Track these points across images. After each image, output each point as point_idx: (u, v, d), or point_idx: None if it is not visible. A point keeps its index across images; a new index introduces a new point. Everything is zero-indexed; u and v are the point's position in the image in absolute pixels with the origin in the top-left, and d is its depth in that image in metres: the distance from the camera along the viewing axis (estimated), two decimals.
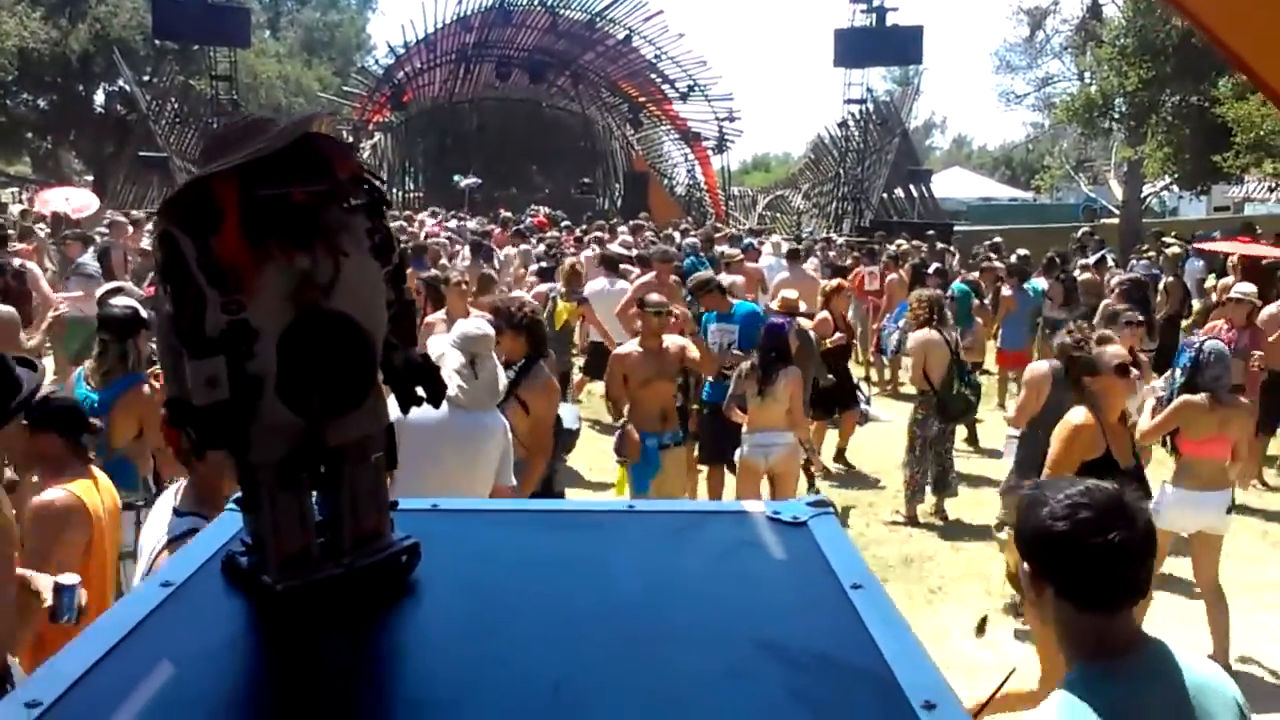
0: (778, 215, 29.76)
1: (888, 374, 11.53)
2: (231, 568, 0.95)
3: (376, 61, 34.70)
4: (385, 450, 0.96)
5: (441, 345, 4.09)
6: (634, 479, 5.90)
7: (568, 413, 5.48)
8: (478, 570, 1.01)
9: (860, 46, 23.83)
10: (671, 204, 28.44)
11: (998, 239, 16.66)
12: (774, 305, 7.68)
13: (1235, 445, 5.06)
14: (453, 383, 3.81)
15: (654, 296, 6.18)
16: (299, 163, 0.87)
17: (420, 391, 0.98)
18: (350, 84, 32.16)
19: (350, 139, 26.73)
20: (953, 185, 35.60)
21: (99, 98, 32.89)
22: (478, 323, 4.17)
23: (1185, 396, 5.10)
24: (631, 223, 17.09)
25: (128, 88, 27.82)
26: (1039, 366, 5.79)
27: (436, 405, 0.99)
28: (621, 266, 10.14)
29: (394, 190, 28.58)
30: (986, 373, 10.53)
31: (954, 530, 7.07)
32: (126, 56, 27.66)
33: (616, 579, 0.99)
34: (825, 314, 8.18)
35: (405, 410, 0.99)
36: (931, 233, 17.95)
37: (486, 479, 4.01)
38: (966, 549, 6.63)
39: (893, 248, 14.17)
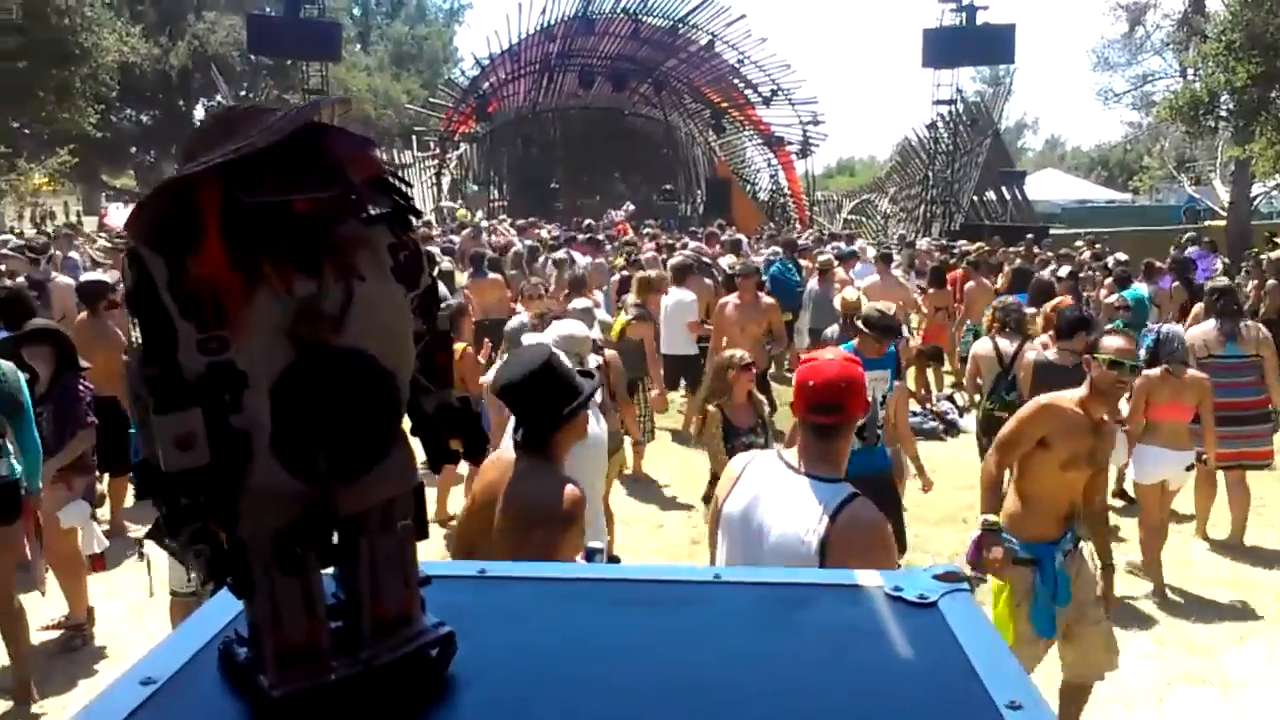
0: (863, 220, 29.18)
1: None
2: (229, 661, 0.77)
3: (463, 73, 35.13)
4: (415, 515, 0.78)
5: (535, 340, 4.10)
6: (1034, 609, 3.77)
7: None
8: (530, 663, 0.82)
9: (950, 46, 23.23)
10: (754, 210, 28.09)
11: (1079, 243, 15.90)
12: (836, 307, 7.43)
13: (1202, 413, 6.00)
14: None
15: (1112, 341, 3.89)
16: (304, 163, 0.68)
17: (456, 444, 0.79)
18: (437, 96, 32.57)
19: (437, 150, 27.09)
20: (1047, 187, 34.54)
21: (198, 112, 34.06)
22: (577, 324, 4.11)
23: (1145, 372, 5.92)
24: (717, 233, 16.79)
25: (225, 102, 28.72)
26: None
27: (477, 461, 0.81)
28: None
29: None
30: None
31: None
32: (224, 72, 28.61)
33: (700, 676, 0.79)
34: None
35: (435, 468, 0.80)
36: (1030, 236, 17.29)
37: (598, 476, 4.02)
38: None
39: (972, 252, 13.28)
